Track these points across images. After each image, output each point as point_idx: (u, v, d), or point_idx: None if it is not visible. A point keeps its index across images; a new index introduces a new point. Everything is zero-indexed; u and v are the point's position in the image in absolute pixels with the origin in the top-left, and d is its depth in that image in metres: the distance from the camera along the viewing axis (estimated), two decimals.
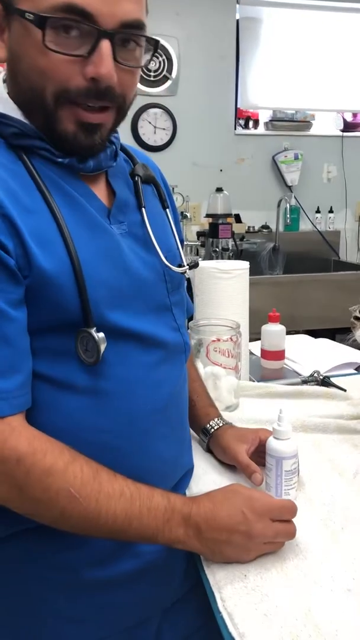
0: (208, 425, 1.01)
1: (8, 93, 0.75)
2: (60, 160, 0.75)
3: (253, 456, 0.92)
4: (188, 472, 0.92)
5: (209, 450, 1.01)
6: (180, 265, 0.87)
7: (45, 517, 0.71)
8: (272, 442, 0.85)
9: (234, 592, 0.69)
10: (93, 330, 0.71)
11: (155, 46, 0.75)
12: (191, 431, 0.97)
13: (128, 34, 0.71)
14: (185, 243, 2.84)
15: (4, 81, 0.77)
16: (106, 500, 0.69)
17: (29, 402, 0.71)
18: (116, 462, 0.74)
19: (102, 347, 0.72)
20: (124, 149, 0.89)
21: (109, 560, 0.78)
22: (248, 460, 0.90)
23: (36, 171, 0.73)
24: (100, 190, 0.80)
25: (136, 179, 0.86)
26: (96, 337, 0.71)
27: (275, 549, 0.75)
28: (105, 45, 0.68)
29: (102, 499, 0.69)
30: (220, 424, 1.00)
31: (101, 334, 0.72)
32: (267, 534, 0.73)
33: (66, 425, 0.72)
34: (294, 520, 0.76)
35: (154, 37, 0.74)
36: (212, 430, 1.00)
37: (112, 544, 0.77)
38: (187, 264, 0.89)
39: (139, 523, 0.71)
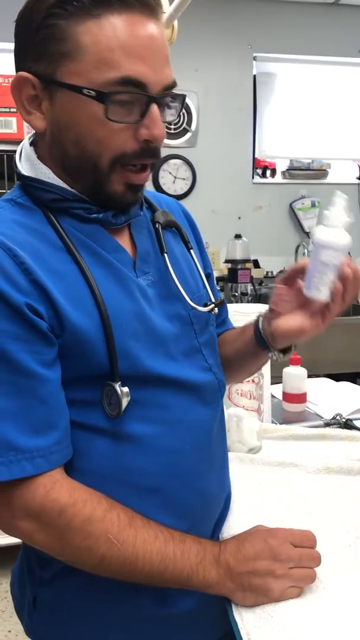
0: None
1: (39, 157, 0.79)
2: (94, 215, 0.79)
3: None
4: (224, 512, 0.93)
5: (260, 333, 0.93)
6: (206, 305, 0.89)
7: (86, 564, 0.73)
8: (316, 228, 0.78)
9: (261, 635, 0.69)
10: (117, 385, 0.74)
11: (182, 101, 0.80)
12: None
13: (169, 95, 0.76)
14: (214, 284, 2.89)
15: (31, 144, 0.80)
16: (142, 545, 0.72)
17: (68, 455, 0.73)
18: (162, 503, 0.76)
19: (125, 401, 0.74)
20: (144, 197, 0.92)
21: (172, 597, 0.80)
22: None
23: (65, 232, 0.76)
24: (125, 242, 0.83)
25: (157, 226, 0.88)
26: (119, 391, 0.73)
27: (303, 584, 0.75)
28: (155, 109, 0.73)
29: (139, 543, 0.72)
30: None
31: (125, 389, 0.74)
32: (291, 555, 0.75)
33: (108, 471, 0.75)
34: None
35: (182, 93, 0.80)
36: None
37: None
38: (214, 302, 0.89)
39: (174, 566, 0.73)
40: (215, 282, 1.04)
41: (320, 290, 0.79)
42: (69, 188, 0.78)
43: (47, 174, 0.78)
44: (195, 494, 0.82)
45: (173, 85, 0.76)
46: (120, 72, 0.70)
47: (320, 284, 0.79)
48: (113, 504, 0.73)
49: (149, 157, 0.76)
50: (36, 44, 0.72)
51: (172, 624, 0.81)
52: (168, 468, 0.78)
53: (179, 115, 0.84)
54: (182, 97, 0.80)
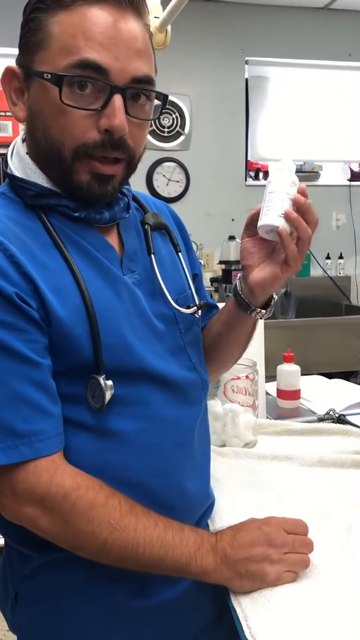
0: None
1: (27, 153, 0.80)
2: (77, 214, 0.80)
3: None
4: (210, 506, 0.95)
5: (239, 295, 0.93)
6: (189, 307, 0.90)
7: (88, 550, 0.74)
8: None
9: (259, 618, 0.71)
10: (101, 378, 0.75)
11: (164, 100, 0.80)
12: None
13: (138, 89, 0.76)
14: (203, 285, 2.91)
15: (23, 140, 0.82)
16: (143, 531, 0.73)
17: (64, 441, 0.75)
18: (144, 498, 0.77)
19: (108, 394, 0.75)
20: (135, 199, 0.94)
21: (150, 589, 0.81)
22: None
23: (53, 228, 0.78)
24: (113, 240, 0.85)
25: (146, 227, 0.90)
26: (103, 384, 0.75)
27: (298, 569, 0.78)
28: (118, 99, 0.73)
29: (140, 529, 0.73)
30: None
31: (109, 382, 0.75)
32: (285, 540, 0.77)
33: (90, 465, 0.76)
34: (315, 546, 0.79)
35: (162, 92, 0.79)
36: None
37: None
38: (197, 305, 0.90)
39: (173, 552, 0.74)
40: (203, 283, 1.06)
41: (268, 215, 0.81)
42: (48, 185, 0.79)
43: (33, 170, 0.80)
44: (175, 491, 0.83)
45: (146, 79, 0.76)
46: (79, 55, 0.71)
47: (269, 211, 0.81)
48: (114, 491, 0.75)
49: (113, 149, 0.76)
50: (23, 37, 0.77)
51: (153, 615, 0.82)
52: (149, 464, 0.80)
53: (160, 114, 0.82)
54: (163, 96, 0.80)
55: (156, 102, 0.81)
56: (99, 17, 0.72)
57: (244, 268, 0.90)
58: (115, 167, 0.78)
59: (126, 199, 0.87)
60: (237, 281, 0.94)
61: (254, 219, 0.86)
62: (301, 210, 0.82)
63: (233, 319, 0.95)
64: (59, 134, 0.75)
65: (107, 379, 0.75)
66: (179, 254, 0.95)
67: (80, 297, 0.75)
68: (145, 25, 0.77)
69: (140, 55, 0.75)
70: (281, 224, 0.81)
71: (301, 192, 0.83)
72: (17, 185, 0.80)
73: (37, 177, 0.79)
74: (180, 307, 0.87)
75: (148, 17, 0.79)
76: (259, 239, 0.87)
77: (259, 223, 0.84)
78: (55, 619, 0.81)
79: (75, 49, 0.72)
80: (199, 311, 0.91)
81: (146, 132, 0.82)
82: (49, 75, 0.73)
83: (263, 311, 0.92)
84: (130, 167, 0.81)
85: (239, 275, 0.94)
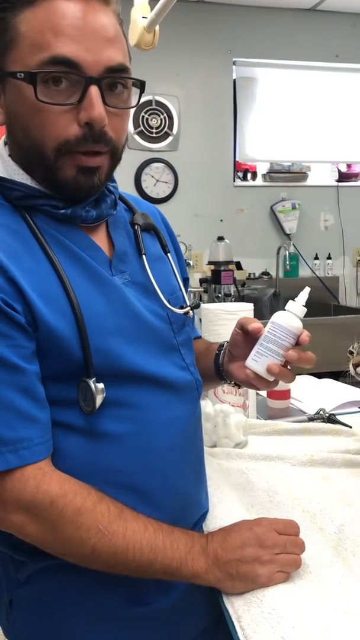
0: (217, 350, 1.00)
1: (10, 155, 0.79)
2: (63, 211, 0.78)
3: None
4: (204, 515, 0.94)
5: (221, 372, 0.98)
6: (182, 307, 0.90)
7: (77, 556, 0.74)
8: (277, 312, 0.86)
9: (252, 618, 0.71)
10: (92, 382, 0.74)
11: (142, 87, 0.79)
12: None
13: (114, 78, 0.75)
14: (189, 289, 2.91)
15: (5, 144, 0.81)
16: (133, 535, 0.73)
17: (52, 447, 0.74)
18: (138, 500, 0.77)
19: (99, 397, 0.74)
20: (123, 199, 0.93)
21: (145, 598, 0.81)
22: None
23: (39, 230, 0.77)
24: (101, 241, 0.84)
25: (136, 227, 0.89)
26: (93, 387, 0.74)
27: (289, 569, 0.78)
28: (94, 90, 0.72)
29: (129, 534, 0.73)
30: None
31: (100, 385, 0.75)
32: (276, 541, 0.77)
33: (83, 469, 0.75)
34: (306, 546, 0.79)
35: (138, 78, 0.78)
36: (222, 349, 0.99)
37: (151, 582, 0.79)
38: (189, 305, 0.92)
39: (164, 556, 0.74)
40: (189, 288, 1.06)
41: (257, 362, 0.84)
42: (35, 185, 0.78)
43: (16, 171, 0.78)
44: (170, 493, 0.83)
45: (120, 68, 0.75)
46: (50, 52, 0.70)
47: (261, 357, 0.84)
48: (102, 496, 0.74)
49: (95, 142, 0.74)
50: None
51: (147, 622, 0.82)
52: (143, 466, 0.79)
53: (139, 101, 0.80)
54: (140, 83, 0.79)
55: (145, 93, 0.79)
56: (65, 9, 0.71)
57: (230, 353, 0.94)
58: (100, 159, 0.77)
59: (113, 196, 0.86)
60: (223, 351, 0.97)
61: (243, 324, 0.88)
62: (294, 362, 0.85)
63: (208, 373, 0.98)
64: (39, 133, 0.74)
65: (97, 381, 0.75)
66: (168, 254, 0.95)
67: (67, 300, 0.74)
68: (113, 12, 0.76)
69: (112, 43, 0.74)
70: (262, 372, 0.84)
71: (301, 341, 0.85)
72: (2, 186, 0.79)
73: (22, 178, 0.78)
74: (173, 307, 0.87)
75: (117, 4, 0.77)
76: (249, 339, 0.88)
77: (248, 362, 0.85)
78: (50, 626, 0.80)
79: (45, 45, 0.70)
80: (191, 312, 0.91)
81: (126, 122, 0.81)
82: (22, 75, 0.71)
83: (238, 386, 0.98)
84: (115, 159, 0.80)
85: (225, 344, 0.97)
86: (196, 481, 0.92)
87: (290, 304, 0.86)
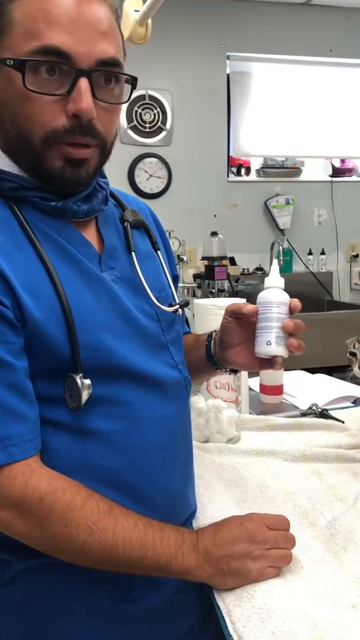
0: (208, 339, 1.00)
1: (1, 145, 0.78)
2: (54, 203, 0.78)
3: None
4: (192, 514, 0.94)
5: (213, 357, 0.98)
6: (171, 305, 0.89)
7: (66, 553, 0.73)
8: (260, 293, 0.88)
9: (242, 613, 0.72)
10: (78, 377, 0.74)
11: (133, 83, 0.78)
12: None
13: (105, 72, 0.74)
14: (182, 285, 2.91)
15: None
16: (122, 532, 0.73)
17: (40, 444, 0.74)
18: (128, 498, 0.77)
19: (85, 393, 0.74)
20: (113, 195, 0.92)
21: (132, 595, 0.81)
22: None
23: (27, 223, 0.76)
24: (91, 236, 0.83)
25: (125, 224, 0.89)
26: (79, 383, 0.73)
27: (280, 564, 0.78)
28: (84, 82, 0.71)
29: (119, 530, 0.72)
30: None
31: (87, 381, 0.74)
32: (267, 536, 0.77)
33: (70, 465, 0.75)
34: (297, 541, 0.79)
35: (130, 74, 0.77)
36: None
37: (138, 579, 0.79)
38: (178, 303, 0.91)
39: (153, 552, 0.74)
40: (178, 285, 1.06)
41: (271, 343, 0.85)
42: (26, 176, 0.78)
43: (7, 162, 0.78)
44: (160, 491, 0.83)
45: (112, 62, 0.74)
46: (41, 41, 0.70)
47: (269, 339, 0.85)
48: (92, 492, 0.74)
49: (83, 134, 0.74)
50: None
51: (136, 620, 0.82)
52: (132, 465, 0.79)
53: (130, 97, 0.79)
54: (132, 78, 0.78)
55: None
56: None
57: (221, 341, 0.93)
58: (87, 151, 0.76)
59: (104, 192, 0.86)
60: (212, 341, 0.97)
61: (235, 310, 0.89)
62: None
63: (200, 365, 0.98)
64: (26, 122, 0.73)
65: (84, 377, 0.74)
66: (158, 252, 0.94)
67: (56, 296, 0.74)
68: (110, 6, 0.75)
69: (105, 37, 0.73)
70: (284, 353, 0.86)
71: (293, 308, 0.87)
72: None
73: (10, 168, 0.78)
74: (162, 305, 0.87)
75: None
76: (241, 323, 0.89)
77: (259, 350, 0.86)
78: (37, 625, 0.80)
79: (38, 33, 0.70)
80: (180, 310, 0.90)
81: (117, 117, 0.80)
82: (12, 62, 0.71)
83: (234, 373, 0.98)
84: (104, 154, 0.79)
85: (213, 334, 0.97)
86: (185, 480, 0.91)
87: (269, 280, 0.88)
